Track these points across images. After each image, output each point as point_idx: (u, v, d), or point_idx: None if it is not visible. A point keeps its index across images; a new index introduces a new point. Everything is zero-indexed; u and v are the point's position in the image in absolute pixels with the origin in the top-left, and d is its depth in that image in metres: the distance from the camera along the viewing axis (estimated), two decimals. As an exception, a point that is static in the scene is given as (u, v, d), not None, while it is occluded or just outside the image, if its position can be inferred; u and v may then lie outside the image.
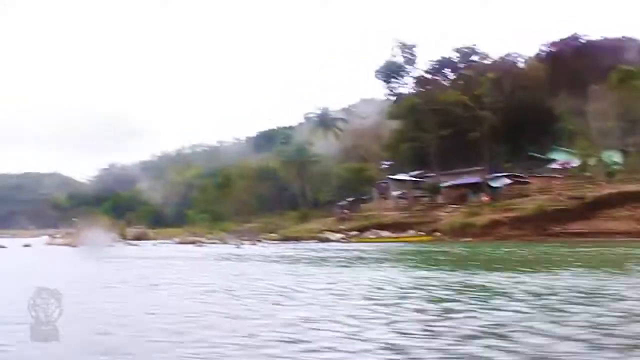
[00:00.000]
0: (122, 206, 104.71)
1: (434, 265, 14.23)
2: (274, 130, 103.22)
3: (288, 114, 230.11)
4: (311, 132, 68.28)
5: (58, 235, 68.41)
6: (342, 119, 69.28)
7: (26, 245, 43.50)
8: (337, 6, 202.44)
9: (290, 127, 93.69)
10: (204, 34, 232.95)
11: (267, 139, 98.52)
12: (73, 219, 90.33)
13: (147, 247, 38.39)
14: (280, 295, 7.78)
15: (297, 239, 45.71)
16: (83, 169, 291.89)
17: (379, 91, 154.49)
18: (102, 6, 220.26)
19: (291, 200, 69.83)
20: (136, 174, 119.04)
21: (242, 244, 36.31)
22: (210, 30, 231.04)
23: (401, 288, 8.69)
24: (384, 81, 54.35)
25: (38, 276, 13.04)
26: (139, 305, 6.40)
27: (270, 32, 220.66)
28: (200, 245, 38.52)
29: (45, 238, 55.37)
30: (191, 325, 5.60)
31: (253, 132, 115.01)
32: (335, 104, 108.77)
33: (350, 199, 58.53)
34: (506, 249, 24.22)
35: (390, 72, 53.57)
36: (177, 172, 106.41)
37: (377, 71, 53.81)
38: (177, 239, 45.89)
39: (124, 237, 52.07)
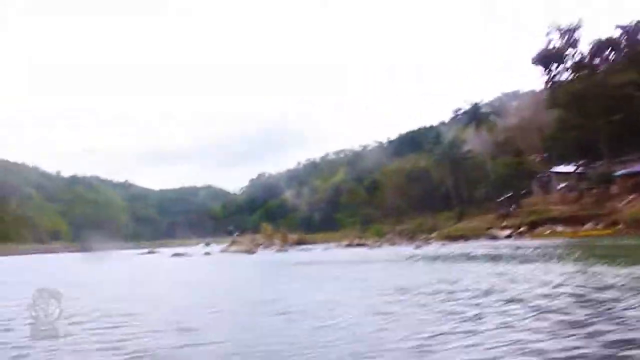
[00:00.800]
0: (272, 214, 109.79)
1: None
2: (415, 131, 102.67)
3: (426, 114, 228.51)
4: (461, 129, 66.56)
5: (214, 244, 73.48)
6: (494, 113, 66.70)
7: (207, 254, 46.66)
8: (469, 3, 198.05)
9: (432, 127, 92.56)
10: (340, 39, 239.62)
11: (409, 141, 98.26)
12: (228, 228, 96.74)
13: (318, 252, 39.07)
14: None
15: (462, 237, 44.70)
16: (234, 180, 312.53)
17: (520, 84, 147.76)
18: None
19: (443, 199, 68.66)
20: (283, 183, 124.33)
21: (421, 244, 36.27)
22: (346, 36, 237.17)
23: None
24: (543, 68, 51.31)
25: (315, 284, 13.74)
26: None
27: (407, 38, 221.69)
28: (372, 248, 38.80)
29: (222, 246, 59.00)
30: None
31: (394, 135, 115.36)
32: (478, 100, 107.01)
33: (509, 195, 56.10)
34: None
35: (550, 58, 50.56)
36: (323, 178, 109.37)
37: (534, 58, 51.07)
38: (344, 243, 46.82)
39: (286, 242, 54.40)
